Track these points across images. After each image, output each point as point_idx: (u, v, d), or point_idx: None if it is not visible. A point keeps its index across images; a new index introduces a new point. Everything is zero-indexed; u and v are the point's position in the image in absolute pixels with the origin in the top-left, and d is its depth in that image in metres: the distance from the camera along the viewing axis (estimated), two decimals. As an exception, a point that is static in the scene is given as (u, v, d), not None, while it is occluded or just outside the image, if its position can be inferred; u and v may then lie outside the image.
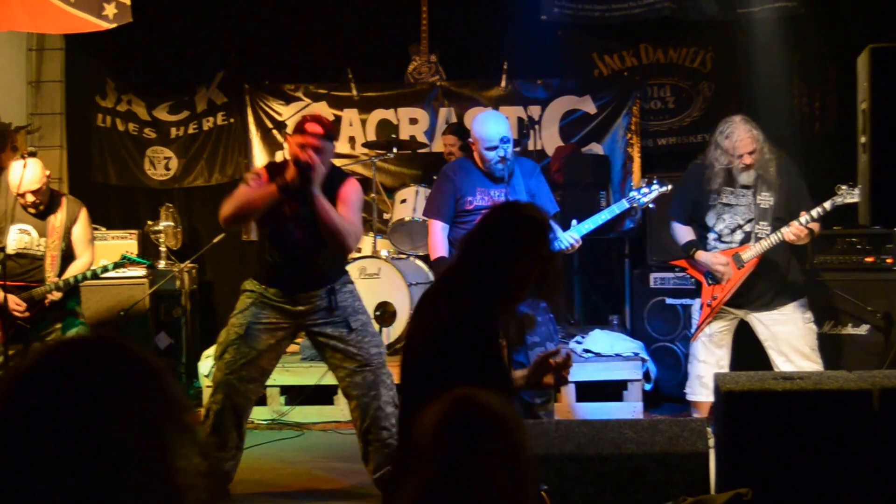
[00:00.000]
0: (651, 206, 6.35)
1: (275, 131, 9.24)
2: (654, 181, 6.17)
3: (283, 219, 5.45)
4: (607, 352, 7.65)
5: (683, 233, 6.52)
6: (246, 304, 5.63)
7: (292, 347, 6.53)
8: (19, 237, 6.54)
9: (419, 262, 8.14)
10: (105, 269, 6.76)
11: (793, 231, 6.02)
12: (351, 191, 5.58)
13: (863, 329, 7.17)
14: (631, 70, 9.79)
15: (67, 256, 6.80)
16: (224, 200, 5.47)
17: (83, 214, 6.88)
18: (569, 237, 5.84)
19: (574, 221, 6.00)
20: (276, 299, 5.59)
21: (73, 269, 6.76)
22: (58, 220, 6.72)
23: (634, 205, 6.19)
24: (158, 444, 1.65)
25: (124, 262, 6.85)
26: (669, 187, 6.30)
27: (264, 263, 5.66)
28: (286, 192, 5.31)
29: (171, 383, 1.74)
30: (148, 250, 8.94)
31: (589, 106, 9.50)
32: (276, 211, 5.45)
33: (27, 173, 6.40)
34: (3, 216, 6.60)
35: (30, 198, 6.49)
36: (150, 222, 9.20)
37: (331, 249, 5.50)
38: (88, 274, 6.69)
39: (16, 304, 6.41)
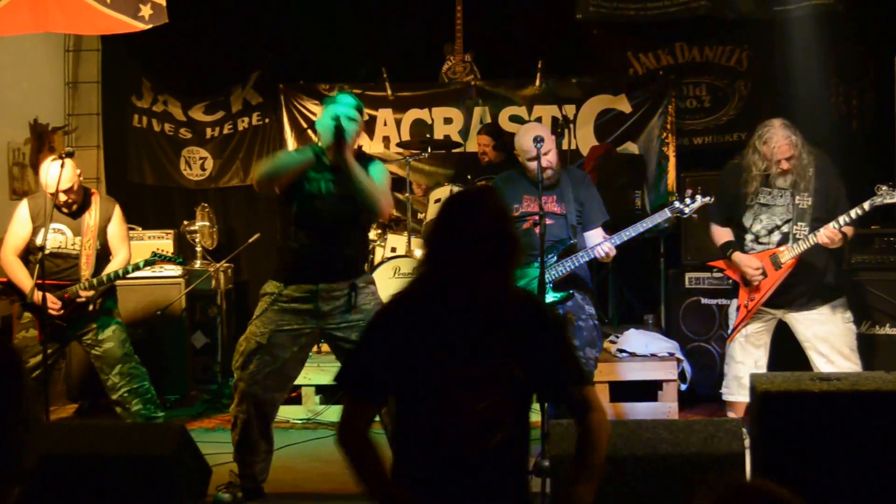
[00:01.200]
0: (694, 216, 6.32)
1: (310, 131, 9.27)
2: (699, 192, 6.12)
3: (312, 196, 5.47)
4: (642, 351, 7.64)
5: (721, 233, 6.49)
6: (263, 310, 5.62)
7: (327, 346, 6.52)
8: (53, 237, 6.57)
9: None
10: (136, 267, 6.80)
11: (827, 234, 5.96)
12: (378, 170, 5.65)
13: (901, 329, 7.10)
14: (666, 69, 9.81)
15: (102, 255, 6.84)
16: (256, 165, 5.57)
17: (117, 212, 6.93)
18: (600, 249, 5.92)
19: (616, 236, 6.03)
20: (296, 303, 5.53)
21: (114, 266, 6.81)
22: (92, 218, 6.77)
23: (676, 214, 6.16)
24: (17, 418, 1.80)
25: (155, 259, 6.90)
26: (712, 198, 6.23)
27: (288, 251, 5.61)
28: (319, 158, 5.50)
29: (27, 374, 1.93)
30: (184, 250, 9.02)
31: (624, 105, 9.52)
32: (306, 189, 5.50)
33: (58, 173, 6.43)
34: (38, 215, 6.66)
35: (62, 197, 6.54)
36: (185, 222, 9.27)
37: (363, 217, 5.61)
38: (121, 272, 6.73)
39: (52, 302, 6.45)
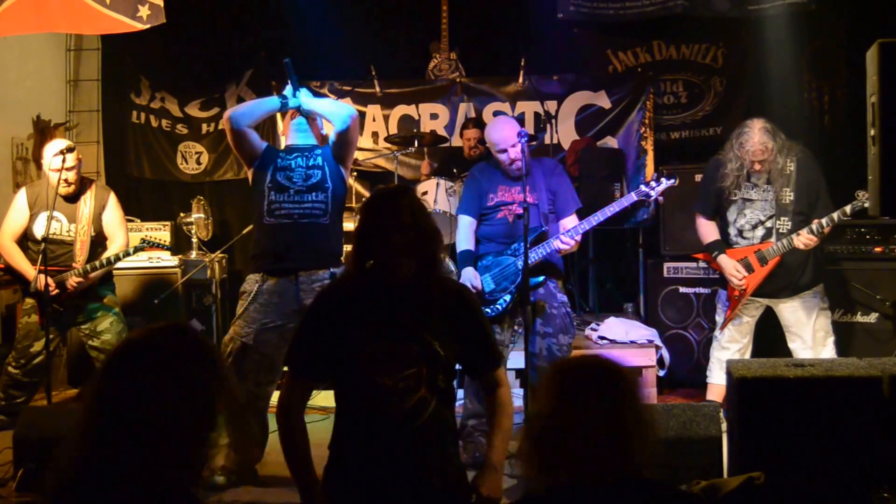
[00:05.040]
0: (660, 199, 6.47)
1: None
2: (663, 175, 6.21)
3: (285, 168, 5.63)
4: (622, 339, 7.73)
5: (708, 230, 6.66)
6: (244, 308, 5.63)
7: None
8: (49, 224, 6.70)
9: (440, 253, 8.29)
10: (126, 254, 6.95)
11: (802, 241, 6.17)
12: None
13: (872, 317, 7.24)
14: (644, 66, 9.94)
15: (97, 242, 7.01)
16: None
17: (112, 199, 7.08)
18: (558, 242, 6.03)
19: (585, 221, 6.16)
20: (277, 297, 5.57)
21: (111, 251, 6.98)
22: (87, 206, 6.93)
23: (642, 198, 6.23)
24: (210, 415, 1.98)
25: (144, 245, 7.04)
26: (676, 181, 6.30)
27: (264, 234, 5.67)
28: (283, 101, 5.81)
29: (225, 366, 2.08)
30: (180, 241, 9.16)
31: (604, 101, 9.64)
32: (279, 164, 5.67)
33: (62, 153, 6.63)
34: (36, 202, 6.84)
35: (66, 175, 6.67)
36: (182, 214, 9.35)
37: (340, 137, 5.73)
38: (113, 258, 6.87)
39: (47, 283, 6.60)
